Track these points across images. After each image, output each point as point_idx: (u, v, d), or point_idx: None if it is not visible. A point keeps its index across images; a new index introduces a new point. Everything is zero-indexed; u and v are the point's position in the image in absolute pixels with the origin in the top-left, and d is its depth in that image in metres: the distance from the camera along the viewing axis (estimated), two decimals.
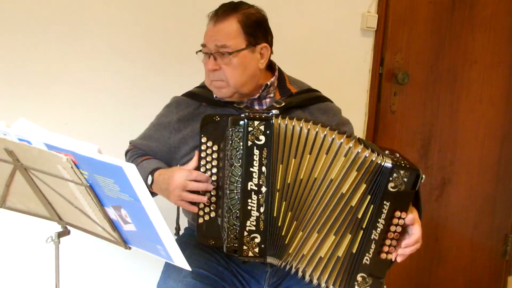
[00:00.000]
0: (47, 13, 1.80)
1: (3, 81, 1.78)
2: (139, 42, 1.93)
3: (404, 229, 1.33)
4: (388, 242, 1.32)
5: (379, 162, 1.29)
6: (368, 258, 1.32)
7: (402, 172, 1.28)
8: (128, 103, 1.94)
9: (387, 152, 1.34)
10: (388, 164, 1.28)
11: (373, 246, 1.32)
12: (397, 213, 1.30)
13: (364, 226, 1.32)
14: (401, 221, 1.31)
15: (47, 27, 1.80)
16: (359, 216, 1.31)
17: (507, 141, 2.68)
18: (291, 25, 2.16)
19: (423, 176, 1.30)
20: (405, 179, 1.28)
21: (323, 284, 1.37)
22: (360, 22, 2.28)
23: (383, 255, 1.33)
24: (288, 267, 1.39)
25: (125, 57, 1.91)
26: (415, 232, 1.33)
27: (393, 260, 1.34)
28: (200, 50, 1.52)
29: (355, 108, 2.36)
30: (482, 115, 2.60)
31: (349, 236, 1.33)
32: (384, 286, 1.37)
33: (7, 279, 1.89)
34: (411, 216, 1.31)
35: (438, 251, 2.66)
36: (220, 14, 1.48)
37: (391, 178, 1.28)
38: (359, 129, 2.38)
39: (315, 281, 1.37)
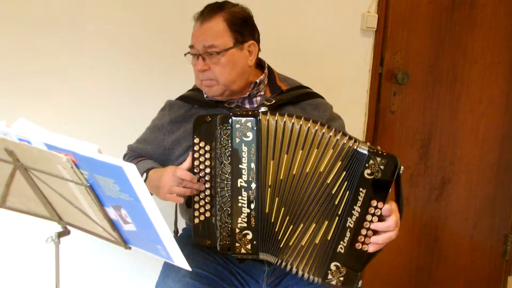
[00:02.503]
0: (47, 13, 1.80)
1: (3, 81, 1.78)
2: (140, 42, 1.93)
3: (382, 221, 1.32)
4: (363, 231, 1.31)
5: (355, 147, 1.30)
6: (343, 247, 1.32)
7: (378, 159, 1.28)
8: (129, 103, 1.95)
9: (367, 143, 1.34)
10: (364, 150, 1.29)
11: (348, 234, 1.31)
12: (373, 202, 1.29)
13: (339, 213, 1.32)
14: (377, 211, 1.30)
15: (48, 27, 1.80)
16: (336, 202, 1.32)
17: (507, 141, 2.68)
18: (291, 25, 2.16)
19: (402, 166, 1.29)
20: (382, 167, 1.28)
21: (300, 272, 1.37)
22: (360, 22, 2.28)
23: (358, 245, 1.32)
24: (281, 263, 1.38)
25: (125, 57, 1.91)
26: (389, 219, 1.30)
27: (367, 251, 1.32)
28: (189, 52, 1.53)
29: (355, 108, 2.36)
30: (482, 115, 2.60)
31: (325, 223, 1.33)
32: (360, 282, 1.36)
33: (7, 279, 1.89)
34: (388, 207, 1.29)
35: (438, 251, 2.66)
36: (206, 14, 1.49)
37: (367, 165, 1.28)
38: (359, 129, 2.38)
39: (294, 270, 1.37)
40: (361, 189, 1.29)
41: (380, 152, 1.29)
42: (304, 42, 2.20)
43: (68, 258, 1.80)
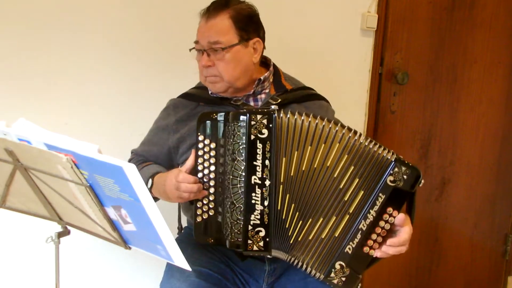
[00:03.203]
0: (47, 13, 1.79)
1: (3, 80, 1.78)
2: (140, 41, 1.93)
3: (392, 230, 1.33)
4: (374, 236, 1.32)
5: (380, 152, 1.31)
6: (351, 248, 1.33)
7: (404, 168, 1.30)
8: (129, 103, 1.94)
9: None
10: (391, 157, 1.31)
11: (359, 236, 1.32)
12: (389, 210, 1.31)
13: (350, 211, 1.33)
14: (391, 219, 1.31)
15: (48, 26, 1.80)
16: (346, 198, 1.33)
17: (507, 141, 2.68)
18: (291, 25, 2.16)
19: (423, 180, 1.31)
20: (405, 176, 1.29)
21: (304, 266, 1.37)
22: (360, 22, 2.28)
23: (366, 249, 1.33)
24: (293, 259, 1.39)
25: (125, 56, 1.91)
26: (403, 234, 1.32)
27: (374, 256, 1.34)
28: (194, 48, 1.53)
29: (355, 108, 2.36)
30: (482, 115, 2.60)
31: (333, 218, 1.34)
32: (359, 285, 1.38)
33: (7, 279, 1.89)
34: (403, 217, 1.31)
35: (438, 251, 2.66)
36: (212, 10, 1.50)
37: (391, 172, 1.29)
38: (359, 129, 2.38)
39: (303, 266, 1.38)
40: (380, 194, 1.30)
41: (405, 161, 1.30)
42: (304, 42, 2.20)
43: (68, 258, 1.80)
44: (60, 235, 1.33)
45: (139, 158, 1.63)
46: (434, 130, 2.52)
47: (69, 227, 1.34)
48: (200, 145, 1.38)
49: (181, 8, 1.94)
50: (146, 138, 1.66)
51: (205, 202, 1.39)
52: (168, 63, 1.96)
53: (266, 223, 1.35)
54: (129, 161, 1.66)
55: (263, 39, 1.56)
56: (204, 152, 1.38)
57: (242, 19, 1.50)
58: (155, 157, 1.61)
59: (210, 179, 1.38)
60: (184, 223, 1.70)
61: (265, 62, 1.63)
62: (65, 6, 1.81)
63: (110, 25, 1.88)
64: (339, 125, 1.35)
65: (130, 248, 1.29)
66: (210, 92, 1.57)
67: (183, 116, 1.58)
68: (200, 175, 1.38)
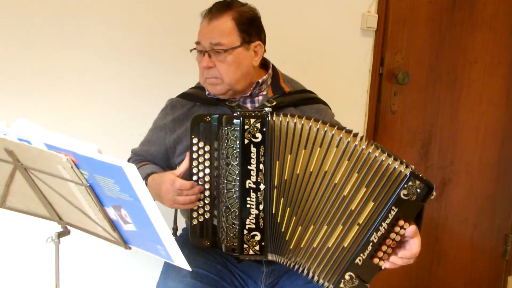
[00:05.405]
0: (47, 13, 1.80)
1: (3, 81, 1.78)
2: (140, 41, 1.93)
3: (401, 241, 1.32)
4: (384, 248, 1.31)
5: (390, 163, 1.27)
6: (361, 259, 1.32)
7: (418, 182, 1.27)
8: (128, 103, 1.94)
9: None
10: (405, 170, 1.27)
11: (369, 248, 1.31)
12: (401, 222, 1.29)
13: (360, 222, 1.30)
14: (402, 231, 1.30)
15: (48, 27, 1.80)
16: (353, 208, 1.30)
17: (507, 141, 2.68)
18: (291, 25, 2.16)
19: (434, 193, 1.29)
20: (418, 190, 1.27)
21: (313, 276, 1.37)
22: (360, 22, 2.28)
23: (376, 260, 1.32)
24: (290, 263, 1.38)
25: (125, 57, 1.91)
26: (414, 247, 1.32)
27: (383, 267, 1.33)
28: (195, 48, 1.53)
29: (355, 108, 2.36)
30: (482, 115, 2.60)
31: (340, 227, 1.32)
32: None
33: (7, 279, 1.89)
34: (414, 229, 1.30)
35: (438, 251, 2.66)
36: (215, 11, 1.49)
37: (405, 186, 1.26)
38: (359, 129, 2.38)
39: (309, 274, 1.37)
40: (393, 207, 1.28)
41: (420, 175, 1.28)
42: (304, 42, 2.20)
43: (68, 258, 1.80)
44: (60, 235, 1.33)
45: (137, 157, 1.64)
46: (434, 130, 2.52)
47: (69, 227, 1.34)
48: (194, 148, 1.37)
49: (182, 9, 1.94)
50: (145, 138, 1.67)
51: (200, 205, 1.38)
52: (168, 63, 1.96)
53: (261, 227, 1.35)
54: (128, 160, 1.67)
55: (264, 43, 1.56)
56: (199, 155, 1.37)
57: (245, 21, 1.49)
58: (152, 156, 1.61)
59: (205, 182, 1.37)
60: (183, 224, 1.70)
61: (264, 64, 1.62)
62: (66, 6, 1.81)
63: (111, 25, 1.88)
64: (335, 128, 1.31)
65: (130, 248, 1.29)
66: (206, 93, 1.57)
67: (180, 116, 1.58)
68: (195, 178, 1.37)
